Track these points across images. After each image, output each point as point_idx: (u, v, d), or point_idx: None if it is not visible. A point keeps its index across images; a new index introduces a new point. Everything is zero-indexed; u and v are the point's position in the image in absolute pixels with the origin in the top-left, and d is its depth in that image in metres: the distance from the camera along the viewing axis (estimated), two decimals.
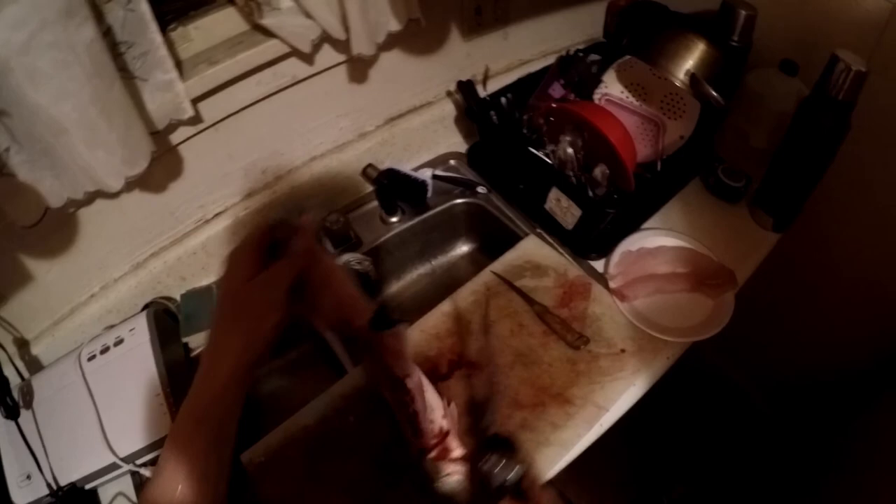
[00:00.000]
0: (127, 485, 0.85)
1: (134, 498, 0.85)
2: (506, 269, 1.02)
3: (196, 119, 0.89)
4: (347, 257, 1.03)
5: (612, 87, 1.11)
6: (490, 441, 0.70)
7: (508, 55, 1.28)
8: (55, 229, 0.87)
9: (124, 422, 0.84)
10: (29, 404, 0.85)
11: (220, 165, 1.02)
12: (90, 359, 0.89)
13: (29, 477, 0.80)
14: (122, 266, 1.00)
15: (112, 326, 0.96)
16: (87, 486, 0.82)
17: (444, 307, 0.97)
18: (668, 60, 0.96)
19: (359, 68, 1.05)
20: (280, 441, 0.83)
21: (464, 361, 0.89)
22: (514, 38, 1.24)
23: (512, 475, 0.65)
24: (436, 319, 0.96)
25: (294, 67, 0.97)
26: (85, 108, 0.70)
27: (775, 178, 1.02)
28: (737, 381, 1.74)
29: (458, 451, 0.70)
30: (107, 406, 0.85)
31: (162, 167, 0.91)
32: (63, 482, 0.79)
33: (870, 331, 1.28)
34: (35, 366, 0.95)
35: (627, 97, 1.11)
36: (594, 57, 1.17)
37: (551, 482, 0.78)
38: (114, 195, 0.87)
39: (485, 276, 1.01)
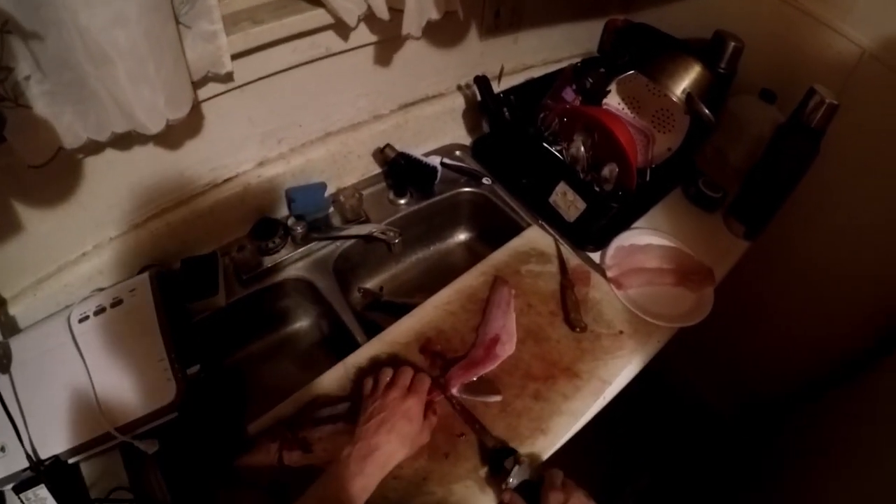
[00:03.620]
0: (116, 460, 0.78)
1: (123, 475, 0.77)
2: (513, 254, 1.09)
3: (228, 77, 0.87)
4: (370, 227, 1.06)
5: (610, 99, 1.21)
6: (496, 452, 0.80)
7: (516, 59, 1.36)
8: (59, 176, 0.82)
9: (121, 388, 0.76)
10: (6, 368, 0.76)
11: (240, 129, 1.01)
12: (81, 320, 0.81)
13: (3, 449, 0.71)
14: (121, 225, 0.96)
15: (101, 289, 0.90)
16: (71, 461, 0.74)
17: (457, 285, 1.02)
18: (668, 78, 1.07)
19: (386, 51, 1.09)
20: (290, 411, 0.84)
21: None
22: (523, 44, 1.33)
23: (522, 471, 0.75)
24: (448, 296, 1.01)
25: (329, 40, 0.98)
26: (137, 40, 0.66)
27: (749, 193, 1.16)
28: (697, 386, 1.90)
29: None
30: (100, 371, 0.77)
31: (182, 123, 0.84)
32: (44, 455, 0.71)
33: (825, 334, 1.43)
34: (11, 328, 0.86)
35: (623, 109, 1.22)
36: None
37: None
38: (126, 146, 0.83)
39: (493, 258, 1.08)
